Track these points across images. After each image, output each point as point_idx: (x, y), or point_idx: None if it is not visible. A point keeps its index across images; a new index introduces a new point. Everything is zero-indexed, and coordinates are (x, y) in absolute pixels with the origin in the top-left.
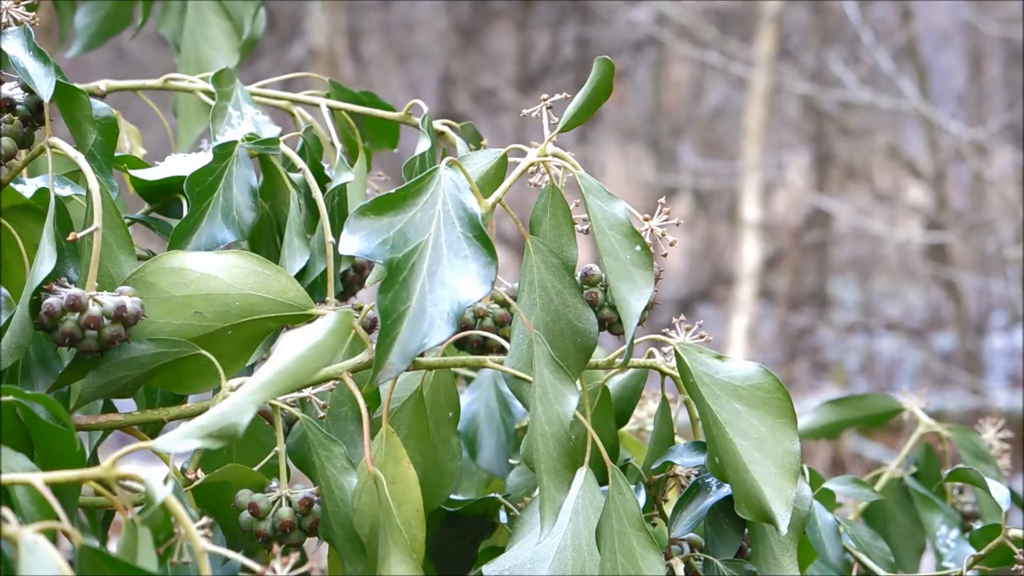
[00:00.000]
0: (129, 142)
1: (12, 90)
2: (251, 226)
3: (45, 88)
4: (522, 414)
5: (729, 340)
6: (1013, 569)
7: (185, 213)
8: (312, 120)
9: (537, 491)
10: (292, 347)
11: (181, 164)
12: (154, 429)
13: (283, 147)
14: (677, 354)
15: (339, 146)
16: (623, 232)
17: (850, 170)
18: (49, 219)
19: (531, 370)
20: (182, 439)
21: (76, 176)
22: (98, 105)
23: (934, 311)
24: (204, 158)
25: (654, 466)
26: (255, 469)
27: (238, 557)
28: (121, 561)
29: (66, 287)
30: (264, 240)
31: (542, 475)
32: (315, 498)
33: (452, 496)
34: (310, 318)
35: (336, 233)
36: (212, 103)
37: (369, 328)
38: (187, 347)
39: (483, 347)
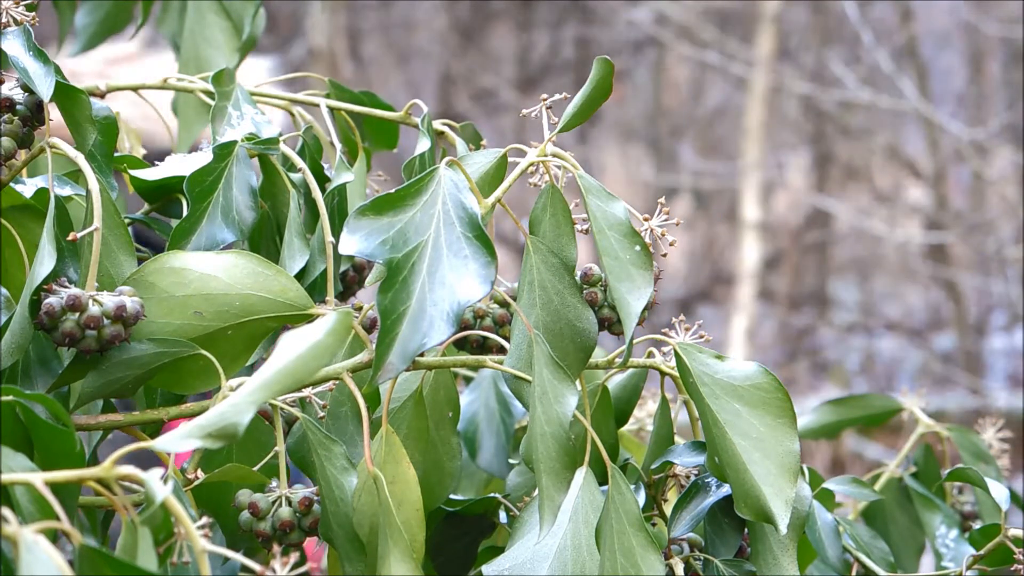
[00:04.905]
0: (129, 142)
1: (12, 90)
2: (251, 226)
3: (45, 88)
4: (522, 414)
5: (729, 340)
6: (1012, 569)
7: (185, 213)
8: (312, 120)
9: (537, 491)
10: (292, 347)
11: (181, 164)
12: (154, 429)
13: (283, 147)
14: (677, 354)
15: (339, 146)
16: (623, 232)
17: (850, 170)
18: (49, 219)
19: (531, 370)
20: (182, 439)
21: (76, 176)
22: (98, 105)
23: (934, 311)
24: (204, 158)
25: (654, 466)
26: (255, 469)
27: (238, 557)
28: (121, 561)
29: (66, 287)
30: (264, 240)
31: (541, 475)
32: (315, 498)
33: (452, 496)
34: (310, 318)
35: (336, 233)
36: (212, 103)
37: (369, 328)
38: (187, 347)
39: (483, 347)
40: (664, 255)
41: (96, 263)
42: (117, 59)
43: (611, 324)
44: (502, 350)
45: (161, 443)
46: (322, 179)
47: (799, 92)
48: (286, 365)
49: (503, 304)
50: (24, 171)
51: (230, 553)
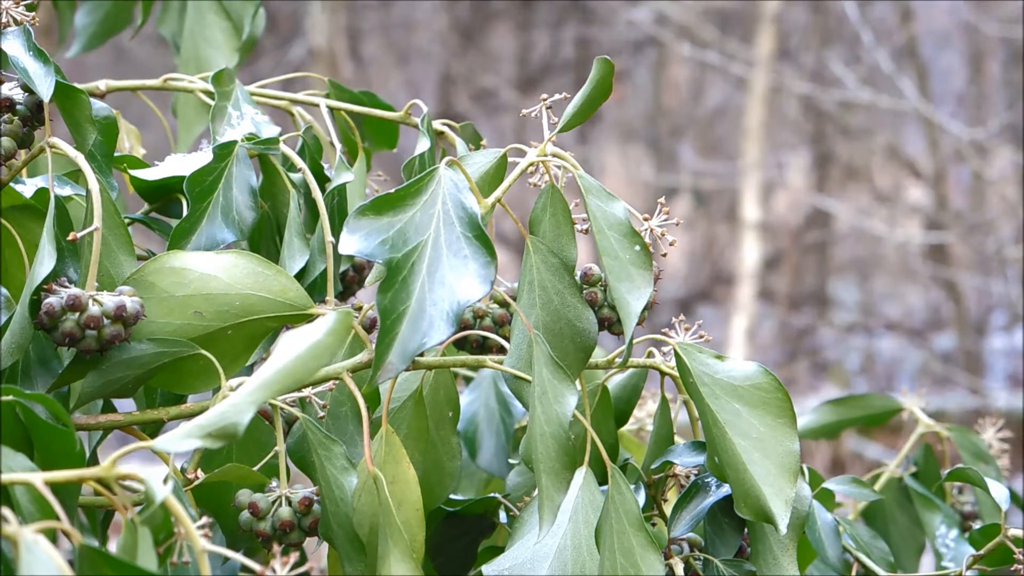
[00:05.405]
0: (129, 142)
1: (12, 90)
2: (251, 226)
3: (45, 88)
4: (522, 414)
5: (729, 340)
6: (1012, 569)
7: (185, 213)
8: (312, 120)
9: (536, 491)
10: (292, 347)
11: (181, 164)
12: (154, 429)
13: (283, 147)
14: (677, 354)
15: (339, 146)
16: (623, 232)
17: (850, 170)
18: (49, 219)
19: (531, 370)
20: (182, 439)
21: (76, 176)
22: (98, 105)
23: (934, 311)
24: (204, 158)
25: (654, 466)
26: (255, 469)
27: (238, 557)
28: (121, 561)
29: (66, 287)
30: (264, 240)
31: (541, 475)
32: (315, 498)
33: (452, 496)
34: (310, 318)
35: (336, 233)
36: (212, 103)
37: (369, 328)
38: (187, 347)
39: (483, 347)
40: (664, 255)
41: (96, 263)
42: None
43: (611, 324)
44: (502, 350)
45: (161, 443)
46: (322, 179)
47: (799, 92)
48: (286, 365)
49: (503, 304)
50: (24, 171)
51: (230, 553)
